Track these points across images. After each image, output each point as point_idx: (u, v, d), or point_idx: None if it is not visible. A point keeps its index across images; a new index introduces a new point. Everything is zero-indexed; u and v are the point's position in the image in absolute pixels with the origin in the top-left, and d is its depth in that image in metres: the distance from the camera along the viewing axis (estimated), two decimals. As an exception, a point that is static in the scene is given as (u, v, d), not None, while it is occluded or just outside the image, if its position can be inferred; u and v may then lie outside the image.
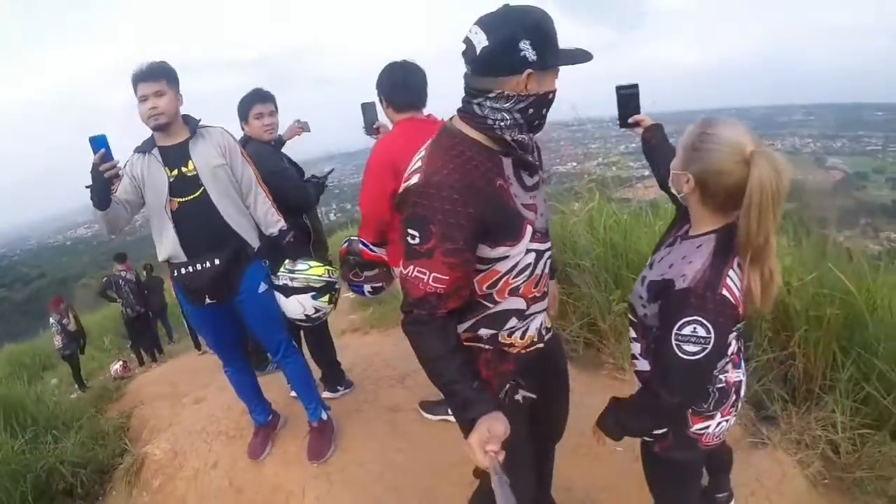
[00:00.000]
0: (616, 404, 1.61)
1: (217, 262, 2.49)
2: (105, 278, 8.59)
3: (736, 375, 1.55)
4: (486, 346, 1.54)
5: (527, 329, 1.58)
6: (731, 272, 1.32)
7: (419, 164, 1.37)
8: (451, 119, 1.44)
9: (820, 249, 2.94)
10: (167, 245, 2.50)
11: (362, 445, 2.87)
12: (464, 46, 1.31)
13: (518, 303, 1.51)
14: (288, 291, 2.54)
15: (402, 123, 2.46)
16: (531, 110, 1.34)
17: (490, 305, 1.49)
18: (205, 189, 2.45)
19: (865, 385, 2.45)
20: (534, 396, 1.63)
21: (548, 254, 1.54)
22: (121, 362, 7.70)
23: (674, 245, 1.49)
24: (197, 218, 2.46)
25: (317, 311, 2.55)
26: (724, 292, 1.30)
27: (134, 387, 5.59)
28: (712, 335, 1.29)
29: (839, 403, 2.46)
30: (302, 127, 3.40)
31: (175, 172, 2.44)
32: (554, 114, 1.44)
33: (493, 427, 1.26)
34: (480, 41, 1.27)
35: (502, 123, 1.34)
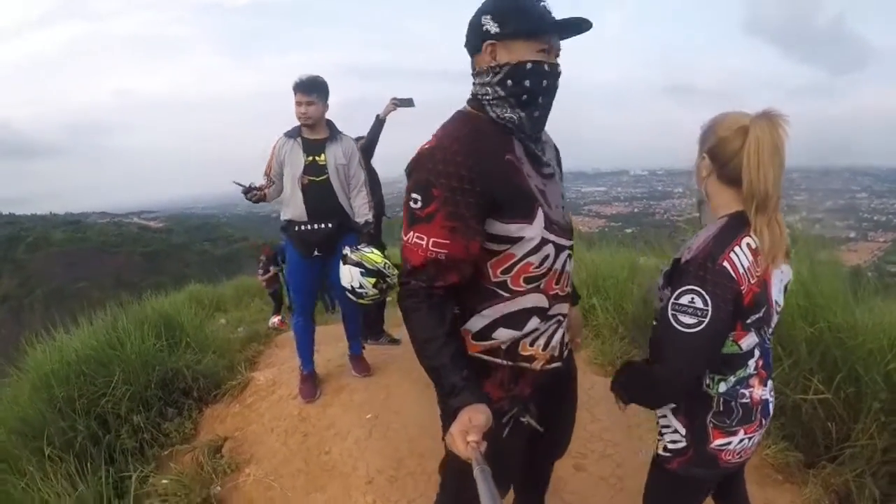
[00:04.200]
0: (626, 367, 1.61)
1: (329, 225, 3.34)
2: (267, 251, 9.44)
3: (762, 393, 1.46)
4: (503, 363, 1.45)
5: (550, 336, 1.49)
6: (737, 248, 1.32)
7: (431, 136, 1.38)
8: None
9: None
10: (295, 209, 3.31)
11: (410, 408, 3.20)
12: None
13: (539, 299, 1.43)
14: (345, 260, 2.98)
15: None
16: (509, 82, 1.33)
17: (506, 295, 1.41)
18: (328, 177, 3.30)
19: None
20: (540, 429, 1.53)
21: (568, 252, 1.48)
22: (279, 317, 8.32)
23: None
24: (319, 193, 3.29)
25: (361, 286, 2.90)
26: (725, 264, 1.29)
27: (282, 338, 6.27)
28: (710, 307, 1.27)
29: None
30: (396, 104, 4.06)
31: (310, 159, 3.28)
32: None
33: (475, 417, 1.20)
34: None
35: (488, 98, 1.37)
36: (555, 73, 1.37)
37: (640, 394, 1.54)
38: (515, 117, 1.37)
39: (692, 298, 1.30)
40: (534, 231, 1.36)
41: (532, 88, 1.35)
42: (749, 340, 1.39)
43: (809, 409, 2.63)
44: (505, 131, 1.38)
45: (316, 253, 3.36)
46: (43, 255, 45.54)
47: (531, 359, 1.47)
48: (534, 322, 1.44)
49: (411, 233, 1.32)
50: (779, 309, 1.45)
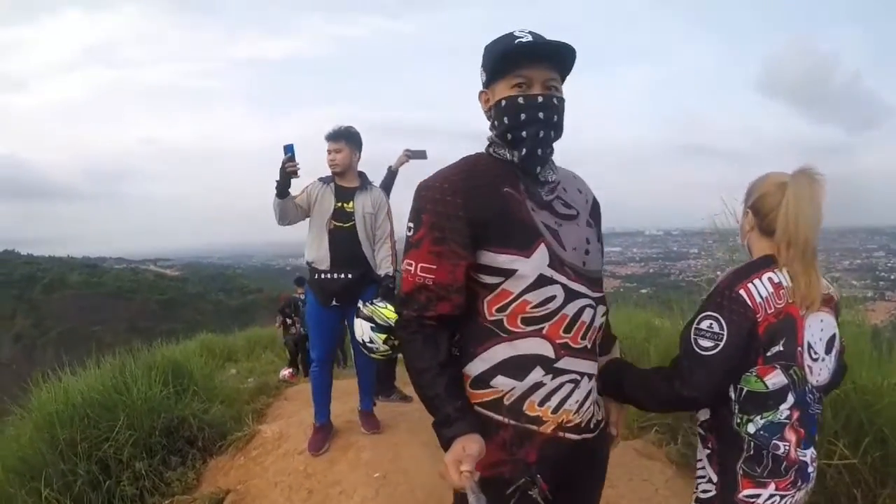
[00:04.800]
0: (629, 367, 1.56)
1: (350, 276, 3.33)
2: (285, 299, 9.42)
3: (800, 454, 1.42)
4: (507, 421, 1.33)
5: (563, 398, 1.35)
6: (757, 280, 1.37)
7: None
8: None
9: None
10: (319, 252, 3.34)
11: (418, 468, 3.09)
12: None
13: (542, 346, 1.32)
14: (358, 313, 2.90)
15: None
16: (496, 122, 1.37)
17: (503, 336, 1.33)
18: (354, 224, 3.35)
19: None
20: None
21: (588, 301, 1.36)
22: (290, 370, 8.28)
23: None
24: (344, 240, 3.33)
25: (371, 341, 2.83)
26: (741, 292, 1.35)
27: (292, 391, 6.19)
28: (725, 332, 1.33)
29: None
30: (409, 156, 4.09)
31: (339, 205, 3.35)
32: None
33: (469, 446, 1.18)
34: None
35: (489, 139, 1.41)
36: (532, 104, 1.32)
37: (645, 397, 1.50)
38: (509, 155, 1.37)
39: (710, 324, 1.36)
40: (529, 266, 1.30)
41: (511, 124, 1.34)
42: (775, 379, 1.37)
43: (834, 474, 2.52)
44: (506, 168, 1.37)
45: (334, 302, 3.35)
46: (58, 297, 46.04)
47: (538, 420, 1.34)
48: (537, 373, 1.33)
49: (405, 261, 1.34)
50: (815, 356, 1.42)
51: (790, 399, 1.39)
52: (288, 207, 3.28)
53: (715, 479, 1.47)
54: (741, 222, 1.55)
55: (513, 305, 1.31)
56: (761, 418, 1.39)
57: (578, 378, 1.37)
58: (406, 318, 1.34)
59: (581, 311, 1.35)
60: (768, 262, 1.41)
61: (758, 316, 1.34)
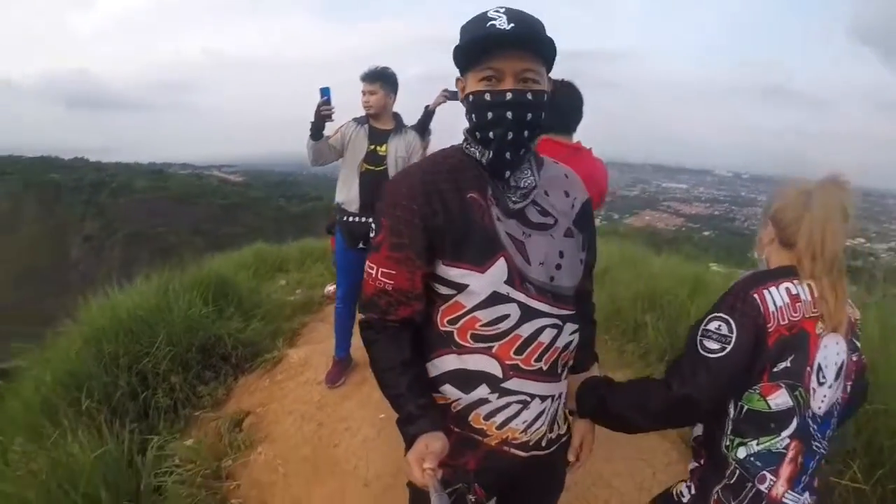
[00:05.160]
0: (613, 383, 1.49)
1: None
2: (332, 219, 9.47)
3: (787, 497, 1.31)
4: (452, 427, 1.33)
5: (509, 417, 1.33)
6: (773, 288, 1.29)
7: None
8: None
9: None
10: (350, 194, 3.40)
11: None
12: None
13: (490, 364, 1.29)
14: None
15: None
16: (468, 116, 1.27)
17: (453, 348, 1.31)
18: (386, 168, 3.34)
19: None
20: None
21: (550, 321, 1.30)
22: (335, 286, 8.48)
23: None
24: (375, 183, 3.29)
25: None
26: (755, 296, 1.28)
27: (330, 309, 6.10)
28: (734, 335, 1.27)
29: None
30: (447, 96, 3.88)
31: (372, 147, 3.36)
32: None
33: (432, 444, 1.18)
34: None
35: (464, 133, 1.31)
36: (500, 101, 1.18)
37: (637, 408, 1.40)
38: (479, 155, 1.27)
39: (719, 325, 1.29)
40: (483, 282, 1.24)
41: (478, 123, 1.23)
42: (779, 400, 1.28)
43: (843, 492, 2.41)
44: (476, 169, 1.27)
45: (361, 245, 3.42)
46: (125, 201, 48.77)
47: (483, 433, 1.34)
48: (482, 390, 1.30)
49: (368, 262, 1.31)
50: (822, 380, 1.31)
51: (793, 425, 1.30)
52: (322, 149, 3.32)
53: (693, 492, 1.45)
54: (759, 234, 1.46)
55: (463, 320, 1.28)
56: (758, 444, 1.32)
57: (528, 399, 1.33)
58: (368, 320, 1.33)
59: (539, 331, 1.29)
60: (788, 273, 1.32)
61: (769, 325, 1.26)
